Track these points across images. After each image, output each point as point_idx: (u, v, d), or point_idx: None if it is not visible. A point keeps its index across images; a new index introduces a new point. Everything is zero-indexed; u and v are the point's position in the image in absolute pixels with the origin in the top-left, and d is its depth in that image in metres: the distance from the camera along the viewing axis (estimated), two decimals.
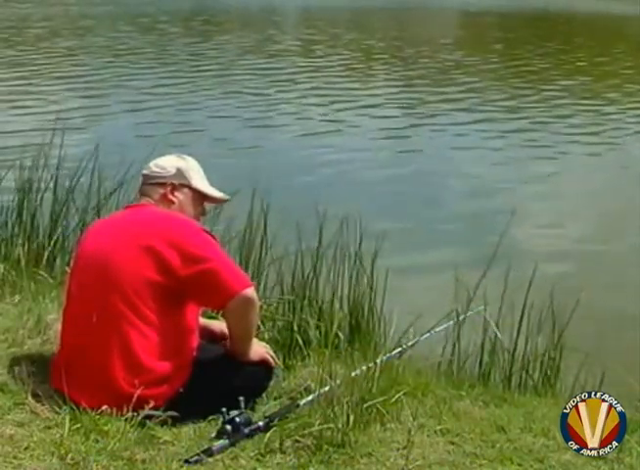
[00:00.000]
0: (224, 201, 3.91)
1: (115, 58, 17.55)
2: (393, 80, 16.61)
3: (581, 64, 19.55)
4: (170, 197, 3.63)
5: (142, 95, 13.49)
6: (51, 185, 5.69)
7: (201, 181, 3.72)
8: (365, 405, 3.39)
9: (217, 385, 3.43)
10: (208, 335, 3.70)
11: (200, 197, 3.72)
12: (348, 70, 17.35)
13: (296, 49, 20.40)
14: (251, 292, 3.42)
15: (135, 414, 3.18)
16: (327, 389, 3.44)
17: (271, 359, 3.67)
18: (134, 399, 3.19)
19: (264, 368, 3.64)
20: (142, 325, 3.35)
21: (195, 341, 3.51)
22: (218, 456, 3.09)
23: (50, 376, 3.50)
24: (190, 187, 3.68)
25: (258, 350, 3.62)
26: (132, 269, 3.37)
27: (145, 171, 3.70)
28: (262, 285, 4.96)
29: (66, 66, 16.40)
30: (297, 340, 4.31)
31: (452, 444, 3.41)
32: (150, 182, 3.66)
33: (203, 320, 3.71)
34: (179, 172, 3.66)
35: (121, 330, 3.35)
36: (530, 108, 14.03)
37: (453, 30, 27.62)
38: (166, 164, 3.68)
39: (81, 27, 22.72)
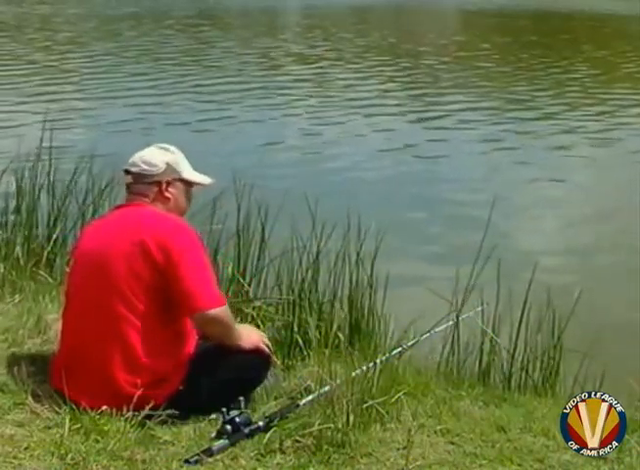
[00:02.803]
0: (209, 185, 3.83)
1: (125, 60, 17.58)
2: (422, 88, 16.17)
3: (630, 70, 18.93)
4: (166, 194, 3.59)
5: (154, 102, 13.38)
6: (49, 184, 5.69)
7: (188, 170, 3.68)
8: (365, 405, 3.40)
9: (215, 378, 3.43)
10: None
11: (189, 185, 3.69)
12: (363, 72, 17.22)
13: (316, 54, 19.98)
14: (214, 313, 3.38)
15: (135, 414, 3.19)
16: (327, 389, 3.44)
17: (265, 348, 3.64)
18: (135, 400, 3.20)
19: (260, 357, 3.61)
20: (140, 324, 3.36)
21: (193, 339, 3.52)
22: (218, 456, 3.10)
23: (50, 376, 3.50)
24: (181, 179, 3.65)
25: (251, 338, 3.58)
26: (129, 269, 3.37)
27: (133, 169, 3.59)
28: (262, 285, 4.96)
29: (71, 66, 16.46)
30: (297, 340, 4.31)
31: (452, 444, 3.41)
32: (141, 181, 3.59)
33: None
34: (169, 167, 3.60)
35: (120, 330, 3.35)
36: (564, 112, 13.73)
37: (475, 34, 26.57)
38: (154, 159, 3.59)
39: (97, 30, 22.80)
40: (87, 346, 3.40)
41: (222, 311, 3.41)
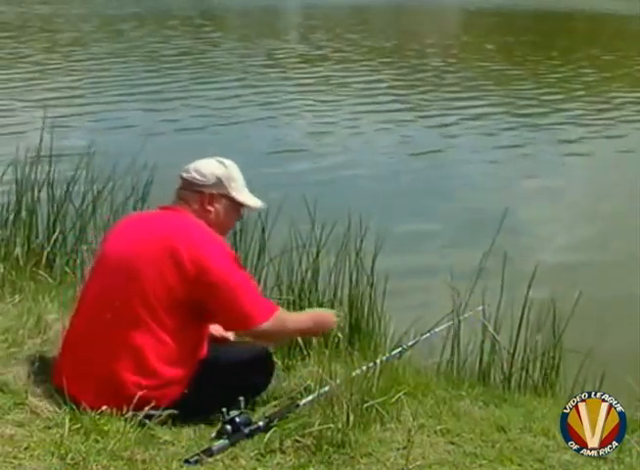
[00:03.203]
0: (259, 208, 3.87)
1: (128, 61, 17.57)
2: (437, 92, 16.00)
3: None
4: (208, 207, 3.57)
5: (162, 107, 13.30)
6: (49, 184, 5.69)
7: (239, 190, 3.65)
8: (365, 405, 3.39)
9: (220, 383, 3.42)
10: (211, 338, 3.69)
11: (237, 205, 3.67)
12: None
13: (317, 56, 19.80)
14: (267, 325, 3.43)
15: (135, 414, 3.19)
16: (327, 389, 3.44)
17: (334, 324, 3.87)
18: (135, 401, 3.20)
19: (265, 362, 3.65)
20: (158, 330, 3.34)
21: (205, 348, 3.51)
22: (218, 456, 3.09)
23: (52, 374, 3.48)
24: (228, 197, 3.62)
25: (319, 325, 3.82)
26: (155, 275, 3.35)
27: (184, 175, 3.60)
28: (262, 285, 4.96)
29: (73, 67, 16.47)
30: (296, 340, 4.31)
31: (452, 444, 3.41)
32: (188, 188, 3.59)
33: None
34: (219, 181, 3.58)
35: (136, 333, 3.32)
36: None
37: (477, 34, 26.10)
38: (206, 171, 3.58)
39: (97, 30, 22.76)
40: (97, 343, 3.38)
41: (274, 319, 3.46)
